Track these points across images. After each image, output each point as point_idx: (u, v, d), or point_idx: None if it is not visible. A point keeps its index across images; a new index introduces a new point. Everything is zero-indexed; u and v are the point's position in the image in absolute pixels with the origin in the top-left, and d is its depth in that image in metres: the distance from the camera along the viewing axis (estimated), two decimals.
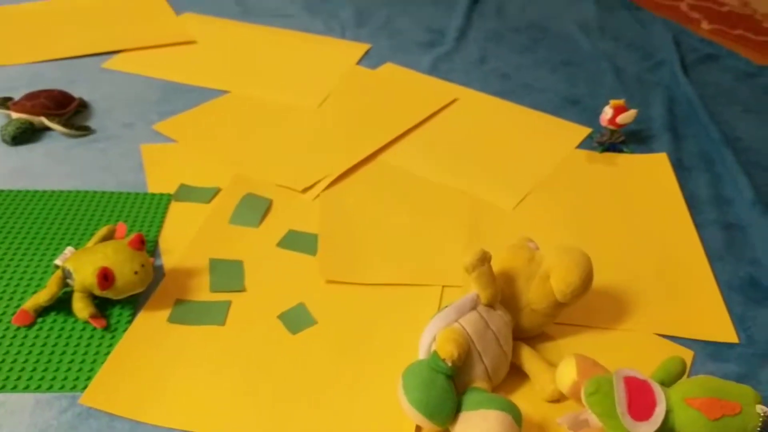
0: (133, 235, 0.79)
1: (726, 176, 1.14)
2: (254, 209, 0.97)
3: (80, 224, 0.91)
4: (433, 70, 1.39)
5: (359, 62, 1.40)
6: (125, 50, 1.36)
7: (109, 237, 0.85)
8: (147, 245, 0.85)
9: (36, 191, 0.97)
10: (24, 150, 1.06)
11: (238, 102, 1.22)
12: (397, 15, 1.62)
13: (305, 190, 1.02)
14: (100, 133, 1.12)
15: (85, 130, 1.11)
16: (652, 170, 1.14)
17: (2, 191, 0.96)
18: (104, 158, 1.06)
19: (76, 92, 1.20)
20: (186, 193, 0.99)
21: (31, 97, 1.10)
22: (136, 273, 0.76)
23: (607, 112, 1.15)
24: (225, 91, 1.25)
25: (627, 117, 1.14)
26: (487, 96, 1.31)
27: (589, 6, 1.75)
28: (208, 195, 0.99)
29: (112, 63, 1.32)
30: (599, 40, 1.58)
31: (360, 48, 1.45)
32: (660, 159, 1.17)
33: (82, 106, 1.17)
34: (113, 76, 1.28)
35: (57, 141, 1.09)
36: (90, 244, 0.84)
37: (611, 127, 1.15)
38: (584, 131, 1.22)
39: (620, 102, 1.15)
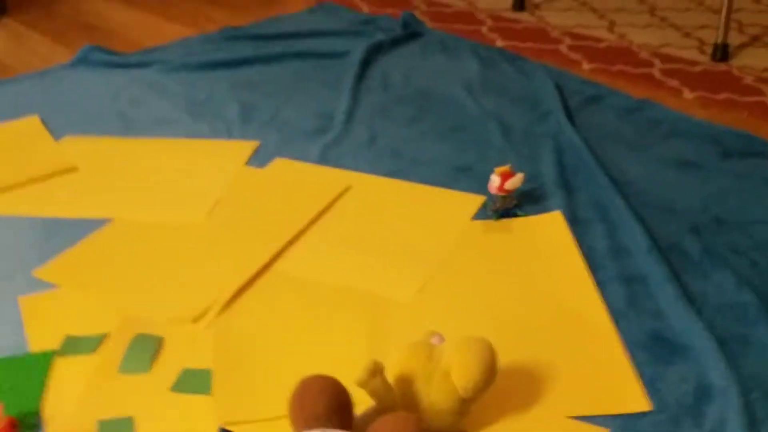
0: (3, 423, 0.74)
1: (621, 224, 1.15)
2: (144, 351, 0.92)
3: None
4: (324, 159, 1.38)
5: (248, 162, 1.38)
6: None
7: None
8: (28, 417, 0.80)
9: None
10: None
11: (121, 231, 1.17)
12: (284, 105, 1.61)
13: (197, 319, 0.97)
14: None
15: None
16: (549, 230, 1.14)
17: None
18: None
19: None
20: (71, 345, 0.94)
21: None
22: None
23: (495, 180, 1.15)
24: (108, 219, 1.21)
25: (514, 182, 1.15)
26: (378, 178, 1.30)
27: (471, 65, 1.77)
28: (94, 344, 0.94)
29: None
30: (484, 99, 1.60)
31: (248, 146, 1.43)
32: (555, 217, 1.17)
33: None
34: None
35: None
36: None
37: (501, 194, 1.15)
38: (478, 200, 1.22)
39: (505, 168, 1.16)
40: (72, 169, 1.36)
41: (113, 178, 1.33)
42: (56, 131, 1.51)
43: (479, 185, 1.25)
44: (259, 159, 1.38)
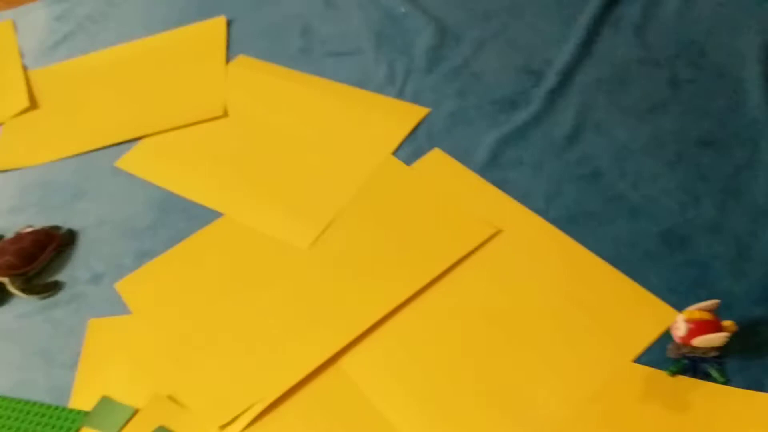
0: None
1: None
2: None
3: None
4: (494, 160, 1.01)
5: (406, 139, 1.07)
6: (144, 136, 1.20)
7: None
8: None
9: None
10: None
11: (217, 247, 1.01)
12: (486, 42, 1.20)
13: (223, 427, 0.81)
14: (67, 290, 1.01)
15: (49, 290, 1.01)
16: None
17: None
18: (48, 338, 0.96)
19: (81, 206, 1.11)
20: (101, 413, 0.86)
21: (1, 251, 1.03)
22: None
23: (680, 326, 0.72)
24: (219, 214, 1.05)
25: (709, 340, 0.71)
26: (553, 229, 0.91)
27: None
28: (118, 421, 0.84)
29: (125, 161, 1.17)
30: None
31: (412, 114, 1.11)
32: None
33: (67, 244, 1.06)
34: (120, 182, 1.14)
35: (22, 304, 1.01)
36: None
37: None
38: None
39: (701, 313, 0.72)
40: (221, 117, 1.20)
41: (252, 139, 1.14)
42: (235, 47, 1.33)
43: None
44: (417, 141, 1.07)
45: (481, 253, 0.91)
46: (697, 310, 0.72)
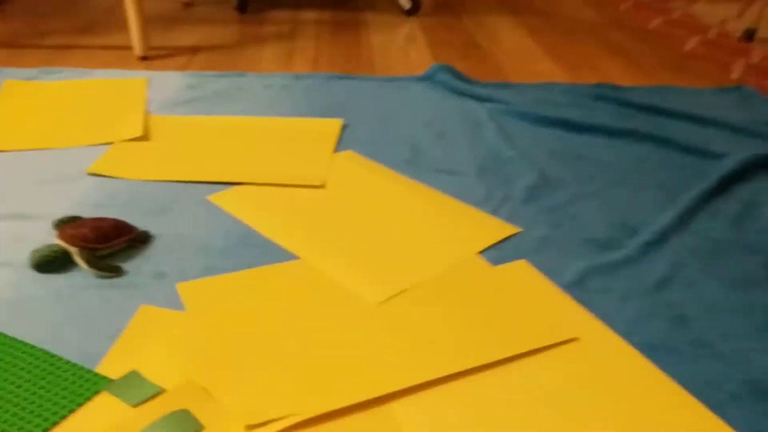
0: None
1: None
2: None
3: None
4: (579, 285, 1.00)
5: (490, 248, 1.08)
6: (243, 183, 1.24)
7: None
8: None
9: None
10: (41, 279, 0.98)
11: (287, 281, 0.99)
12: (586, 195, 1.24)
13: (252, 427, 0.74)
14: (127, 278, 0.99)
15: (112, 272, 0.99)
16: None
17: None
18: (96, 310, 0.92)
19: (163, 219, 1.11)
20: (126, 385, 0.80)
21: (79, 225, 1.03)
22: None
23: None
24: (294, 256, 1.04)
25: None
26: (633, 351, 0.88)
27: None
28: (141, 395, 0.78)
29: (218, 197, 1.20)
30: None
31: (503, 229, 1.12)
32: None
33: (141, 241, 1.06)
34: (208, 210, 1.16)
35: (81, 277, 0.99)
36: None
37: None
38: None
39: None
40: (319, 186, 1.23)
41: (338, 205, 1.16)
42: (346, 143, 1.41)
43: None
44: (506, 249, 1.07)
45: (558, 352, 0.87)
46: None
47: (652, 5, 2.63)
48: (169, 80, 1.72)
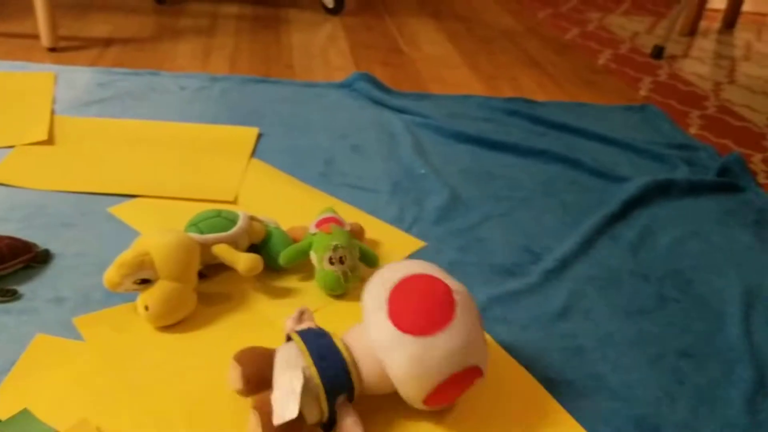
0: None
1: None
2: None
3: None
4: (483, 314, 1.03)
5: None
6: (148, 196, 1.21)
7: None
8: None
9: None
10: None
11: None
12: (496, 217, 1.28)
13: None
14: (22, 302, 0.95)
15: (5, 296, 0.95)
16: None
17: None
18: None
19: (62, 239, 1.07)
20: (15, 425, 0.77)
21: None
22: None
23: None
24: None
25: None
26: (527, 375, 0.91)
27: None
28: None
29: (120, 209, 1.17)
30: None
31: (410, 244, 1.14)
32: None
33: (39, 262, 1.02)
34: (112, 226, 1.13)
35: None
36: None
37: None
38: None
39: None
40: (229, 201, 1.22)
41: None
42: (261, 153, 1.39)
43: None
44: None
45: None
46: None
47: (569, 16, 2.71)
48: (79, 76, 1.65)
